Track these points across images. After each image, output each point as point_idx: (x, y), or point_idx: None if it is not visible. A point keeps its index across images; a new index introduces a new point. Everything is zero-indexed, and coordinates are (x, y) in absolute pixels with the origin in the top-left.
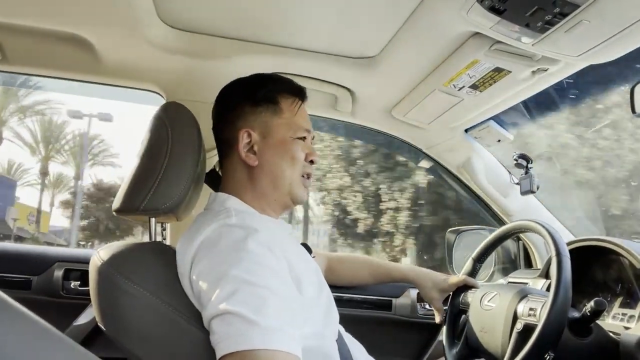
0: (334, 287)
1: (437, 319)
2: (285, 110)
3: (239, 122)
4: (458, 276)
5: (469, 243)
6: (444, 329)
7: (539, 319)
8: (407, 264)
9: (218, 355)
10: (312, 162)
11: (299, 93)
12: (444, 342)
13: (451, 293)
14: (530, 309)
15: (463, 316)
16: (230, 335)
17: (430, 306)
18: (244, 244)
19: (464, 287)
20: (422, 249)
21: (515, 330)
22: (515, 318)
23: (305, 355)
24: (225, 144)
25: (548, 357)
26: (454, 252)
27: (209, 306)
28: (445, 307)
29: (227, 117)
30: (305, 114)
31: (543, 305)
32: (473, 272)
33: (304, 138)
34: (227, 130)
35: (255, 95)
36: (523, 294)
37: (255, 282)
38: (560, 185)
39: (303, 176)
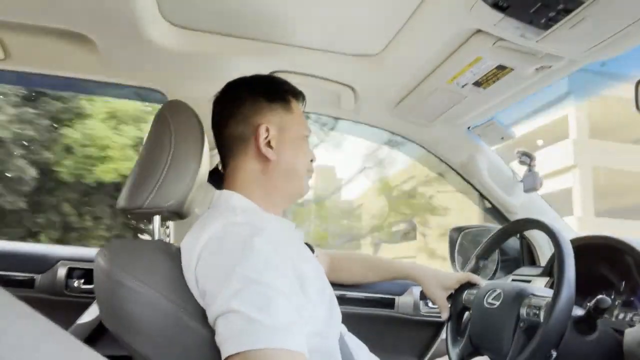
0: (336, 286)
1: (443, 316)
2: (295, 109)
3: (255, 118)
4: (462, 273)
5: (471, 241)
6: (447, 326)
7: (542, 318)
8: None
9: (223, 356)
10: (311, 160)
11: (302, 96)
12: (447, 339)
13: (454, 290)
14: (534, 308)
15: (467, 314)
16: (234, 334)
17: (433, 304)
18: (250, 242)
19: (467, 285)
20: None
21: (518, 329)
22: (518, 316)
23: (307, 354)
24: (236, 139)
25: (554, 352)
26: (456, 249)
27: (214, 305)
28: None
29: (240, 112)
30: None
31: (546, 304)
32: (476, 270)
33: (307, 137)
34: (239, 126)
35: (272, 92)
36: (526, 293)
37: (260, 281)
38: None
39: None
